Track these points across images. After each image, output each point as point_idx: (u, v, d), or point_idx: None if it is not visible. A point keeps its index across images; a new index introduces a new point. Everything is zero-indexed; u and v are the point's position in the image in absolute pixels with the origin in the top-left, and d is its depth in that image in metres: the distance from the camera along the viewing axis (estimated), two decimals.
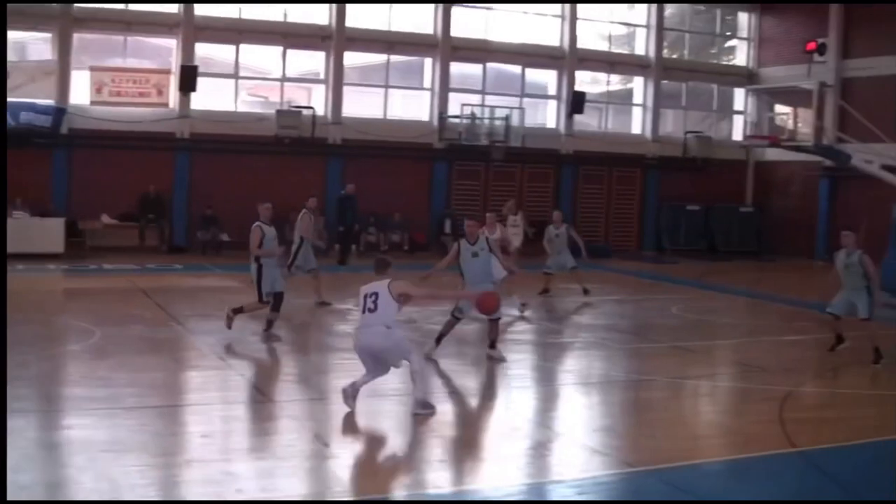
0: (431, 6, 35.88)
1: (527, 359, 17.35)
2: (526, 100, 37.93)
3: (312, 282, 21.83)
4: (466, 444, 11.68)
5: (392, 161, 34.57)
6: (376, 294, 12.36)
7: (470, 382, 15.09)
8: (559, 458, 11.15)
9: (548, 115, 39.37)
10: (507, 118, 35.24)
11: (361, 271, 27.70)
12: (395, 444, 11.47)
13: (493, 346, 16.11)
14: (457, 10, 36.26)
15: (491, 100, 36.72)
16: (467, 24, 36.58)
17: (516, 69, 38.01)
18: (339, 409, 12.46)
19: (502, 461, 10.87)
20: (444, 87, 36.13)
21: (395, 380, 13.25)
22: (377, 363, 12.44)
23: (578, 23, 38.38)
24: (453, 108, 35.81)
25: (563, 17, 38.20)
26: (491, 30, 36.98)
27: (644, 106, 40.45)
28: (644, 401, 14.28)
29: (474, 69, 37.22)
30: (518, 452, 11.04)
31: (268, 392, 13.40)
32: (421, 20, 36.01)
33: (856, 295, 17.39)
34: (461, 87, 36.82)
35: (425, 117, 36.28)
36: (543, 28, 38.19)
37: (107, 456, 9.99)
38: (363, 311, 12.39)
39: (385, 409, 12.88)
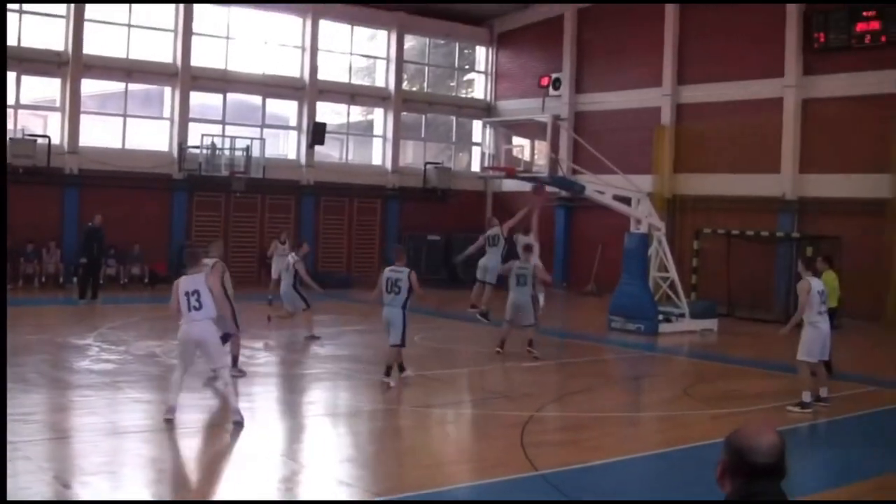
0: (170, 35, 35.46)
1: (271, 391, 17.30)
2: (267, 130, 37.86)
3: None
4: (211, 480, 11.58)
5: (131, 192, 33.84)
6: (198, 292, 13.23)
7: (212, 416, 14.93)
8: (305, 490, 11.16)
9: (289, 146, 39.38)
10: (247, 149, 34.94)
11: (108, 303, 27.40)
12: (138, 482, 11.25)
13: (400, 369, 17.40)
14: (197, 40, 35.89)
15: (231, 130, 36.35)
16: (207, 53, 36.25)
17: (257, 100, 37.91)
18: (80, 448, 12.16)
19: (248, 496, 10.83)
20: (184, 116, 35.65)
21: (138, 416, 13.06)
22: (193, 356, 13.66)
23: (319, 54, 38.65)
24: (193, 138, 35.33)
25: (303, 48, 38.39)
26: (231, 60, 36.77)
27: (384, 137, 40.96)
28: (389, 430, 14.46)
29: (215, 99, 36.94)
30: (264, 486, 11.01)
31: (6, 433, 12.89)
32: (160, 49, 35.47)
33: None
34: (201, 118, 36.38)
35: (165, 147, 35.69)
36: (284, 59, 38.26)
37: None
38: (189, 310, 13.20)
39: (127, 447, 12.65)
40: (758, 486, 3.99)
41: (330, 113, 40.00)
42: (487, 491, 11.19)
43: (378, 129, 41.40)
